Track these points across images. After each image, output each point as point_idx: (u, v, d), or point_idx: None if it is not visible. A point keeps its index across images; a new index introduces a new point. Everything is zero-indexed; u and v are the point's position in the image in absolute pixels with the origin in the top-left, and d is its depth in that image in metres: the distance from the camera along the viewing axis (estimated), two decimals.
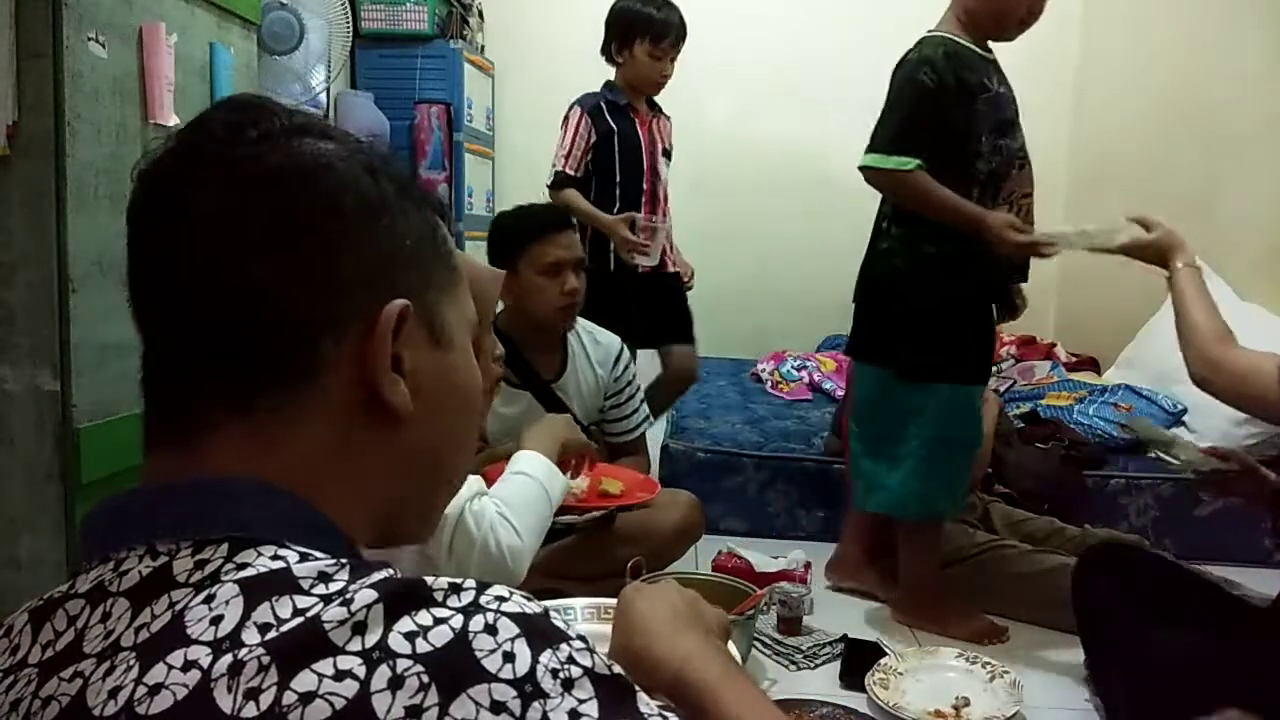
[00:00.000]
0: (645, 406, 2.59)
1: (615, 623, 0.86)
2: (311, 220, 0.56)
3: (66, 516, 1.62)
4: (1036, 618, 2.38)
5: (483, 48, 4.54)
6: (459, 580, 0.49)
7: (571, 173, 2.99)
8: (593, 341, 2.49)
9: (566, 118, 3.04)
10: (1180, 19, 4.01)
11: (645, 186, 3.05)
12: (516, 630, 0.47)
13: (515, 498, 1.61)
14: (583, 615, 1.39)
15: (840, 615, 2.38)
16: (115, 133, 1.71)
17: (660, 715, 0.50)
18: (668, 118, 3.21)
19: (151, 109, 1.80)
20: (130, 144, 1.76)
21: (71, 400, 1.62)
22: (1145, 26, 4.35)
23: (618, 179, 3.02)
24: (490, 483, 1.68)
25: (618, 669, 0.49)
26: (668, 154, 3.16)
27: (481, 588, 0.49)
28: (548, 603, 0.51)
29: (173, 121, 1.86)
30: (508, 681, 0.45)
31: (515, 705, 0.45)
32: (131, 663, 0.47)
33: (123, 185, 1.72)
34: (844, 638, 2.21)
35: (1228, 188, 3.49)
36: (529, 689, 0.45)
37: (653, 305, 3.07)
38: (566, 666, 0.47)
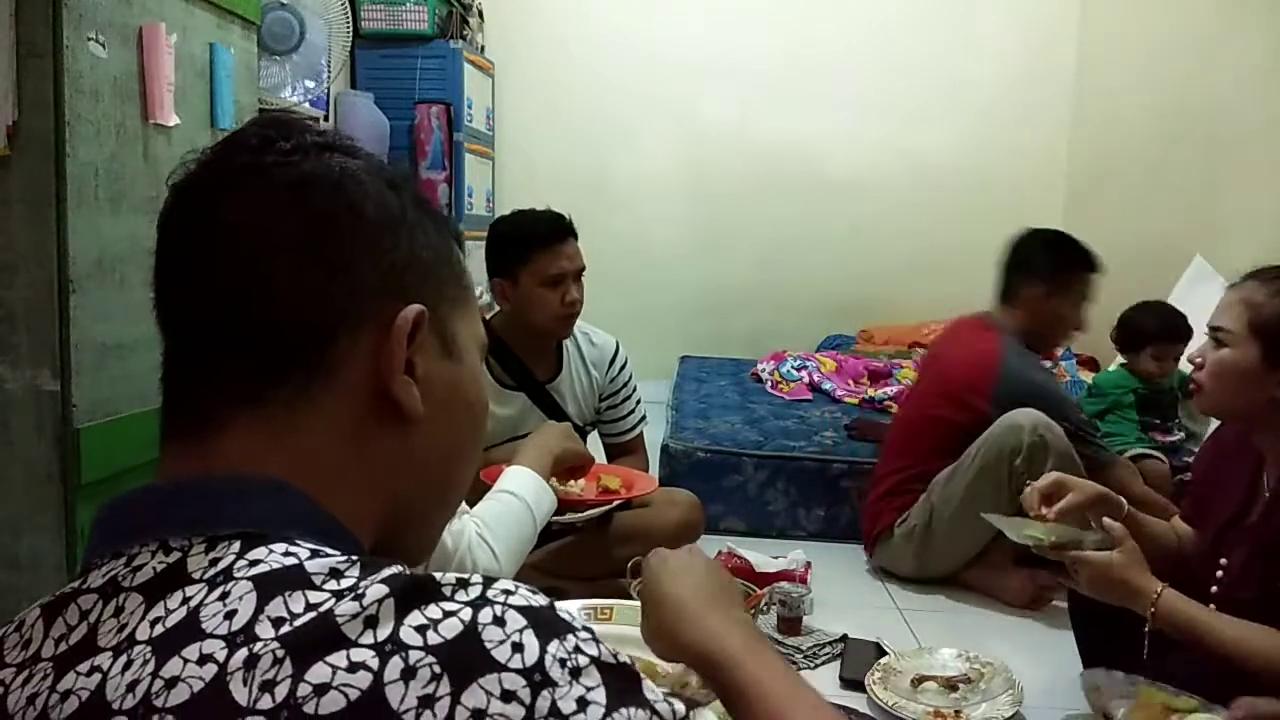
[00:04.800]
0: (642, 406, 2.58)
1: (644, 600, 0.91)
2: (336, 225, 0.59)
3: (66, 516, 1.62)
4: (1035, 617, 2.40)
5: (483, 48, 4.54)
6: (466, 576, 0.50)
7: None
8: (588, 343, 2.47)
9: None
10: (1180, 19, 4.01)
11: None
12: (524, 622, 0.48)
13: (496, 519, 1.58)
14: (580, 617, 1.39)
15: (840, 615, 2.38)
16: (115, 133, 1.72)
17: (666, 701, 0.51)
18: None
19: (151, 109, 1.80)
20: (130, 144, 1.76)
21: (71, 400, 1.62)
22: (1145, 26, 4.34)
23: None
24: (488, 484, 1.67)
25: (624, 657, 0.51)
26: None
27: (488, 582, 0.50)
28: None
29: (173, 121, 1.86)
30: (517, 671, 0.47)
31: (525, 694, 0.46)
32: (148, 656, 0.48)
33: (123, 185, 1.73)
34: (844, 638, 2.21)
35: (1228, 188, 3.49)
36: (538, 678, 0.47)
37: None
38: (574, 656, 0.48)
